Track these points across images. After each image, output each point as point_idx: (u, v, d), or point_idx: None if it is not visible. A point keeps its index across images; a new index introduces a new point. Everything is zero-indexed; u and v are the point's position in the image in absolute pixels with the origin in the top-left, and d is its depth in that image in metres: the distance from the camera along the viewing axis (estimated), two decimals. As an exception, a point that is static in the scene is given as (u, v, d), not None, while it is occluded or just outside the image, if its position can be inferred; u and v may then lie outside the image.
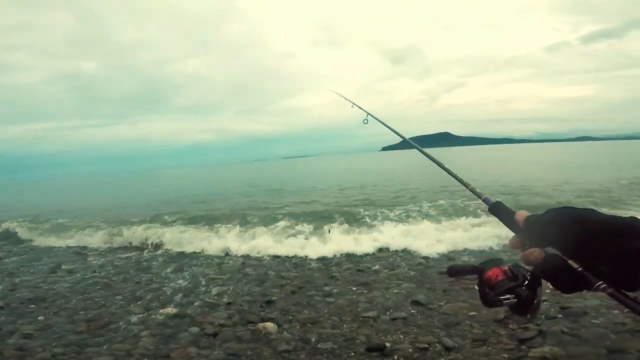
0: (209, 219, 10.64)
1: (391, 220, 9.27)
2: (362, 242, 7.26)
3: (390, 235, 7.58)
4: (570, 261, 0.51)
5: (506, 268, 0.60)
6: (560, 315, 3.78)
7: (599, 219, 0.52)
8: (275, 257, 7.06)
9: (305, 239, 7.86)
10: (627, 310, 0.47)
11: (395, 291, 4.83)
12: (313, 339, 3.67)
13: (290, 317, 4.24)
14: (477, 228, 7.54)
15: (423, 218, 9.14)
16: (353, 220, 9.54)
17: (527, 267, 0.58)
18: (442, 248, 6.70)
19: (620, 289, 0.48)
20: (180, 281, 5.83)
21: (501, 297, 0.58)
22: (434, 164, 0.98)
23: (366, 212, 10.44)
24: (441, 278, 5.15)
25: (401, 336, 3.63)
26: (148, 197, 21.63)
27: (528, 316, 0.59)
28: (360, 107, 1.23)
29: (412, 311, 4.21)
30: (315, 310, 4.39)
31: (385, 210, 10.45)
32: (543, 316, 3.79)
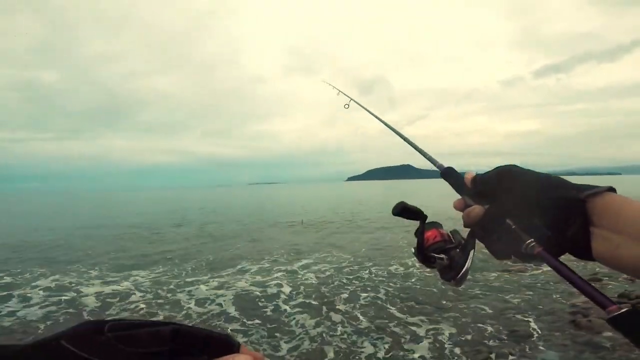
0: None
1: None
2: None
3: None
4: (508, 220, 0.53)
5: (444, 232, 0.62)
6: (508, 339, 4.06)
7: (535, 174, 0.53)
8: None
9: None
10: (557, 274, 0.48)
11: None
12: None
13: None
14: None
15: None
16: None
17: (463, 237, 0.60)
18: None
19: (551, 251, 0.49)
20: None
21: (435, 255, 0.59)
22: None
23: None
24: (403, 306, 5.31)
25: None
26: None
27: (453, 282, 0.58)
28: (345, 94, 1.28)
29: (369, 338, 4.32)
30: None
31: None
32: (494, 339, 4.06)
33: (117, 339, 0.26)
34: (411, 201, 0.58)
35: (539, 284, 6.01)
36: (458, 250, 0.59)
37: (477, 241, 0.58)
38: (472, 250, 0.58)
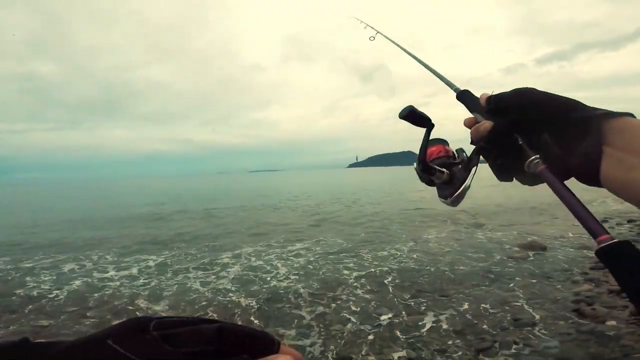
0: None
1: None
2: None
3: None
4: (516, 135, 0.52)
5: (450, 149, 0.62)
6: (512, 327, 4.07)
7: (553, 94, 0.51)
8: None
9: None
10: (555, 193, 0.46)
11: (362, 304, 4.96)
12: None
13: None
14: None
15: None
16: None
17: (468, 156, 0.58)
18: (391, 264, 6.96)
19: (555, 171, 0.48)
20: None
21: (436, 167, 0.58)
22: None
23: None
24: (401, 293, 5.33)
25: (367, 349, 3.74)
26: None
27: (449, 200, 0.57)
28: (372, 27, 1.22)
29: (378, 324, 4.34)
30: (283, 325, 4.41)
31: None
32: (497, 327, 4.07)
33: (162, 338, 0.25)
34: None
35: (542, 272, 6.01)
36: (460, 167, 0.58)
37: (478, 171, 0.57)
38: (475, 168, 0.57)
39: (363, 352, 3.68)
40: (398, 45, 0.99)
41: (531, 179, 0.53)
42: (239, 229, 11.67)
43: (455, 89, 0.68)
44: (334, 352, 3.71)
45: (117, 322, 0.27)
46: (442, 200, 0.59)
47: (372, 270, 6.54)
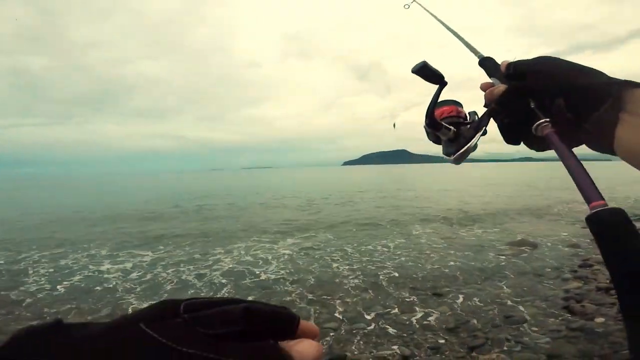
0: None
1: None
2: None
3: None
4: (529, 99, 0.52)
5: (462, 110, 0.60)
6: (503, 324, 4.12)
7: (569, 62, 0.51)
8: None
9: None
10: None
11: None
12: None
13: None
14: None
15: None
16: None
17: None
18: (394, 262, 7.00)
19: (564, 136, 0.48)
20: None
21: (444, 124, 0.58)
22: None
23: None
24: (394, 290, 5.36)
25: (362, 346, 3.75)
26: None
27: (453, 158, 0.58)
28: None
29: (371, 321, 4.35)
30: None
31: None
32: (489, 324, 4.12)
33: (193, 320, 0.25)
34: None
35: (532, 270, 6.10)
36: (469, 127, 0.58)
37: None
38: (484, 128, 0.57)
39: (356, 349, 3.69)
40: (433, 15, 0.99)
41: (539, 144, 0.53)
42: (232, 225, 11.61)
43: (479, 56, 0.68)
44: (328, 349, 3.71)
45: (146, 305, 0.27)
46: (446, 157, 0.59)
47: (364, 266, 6.56)
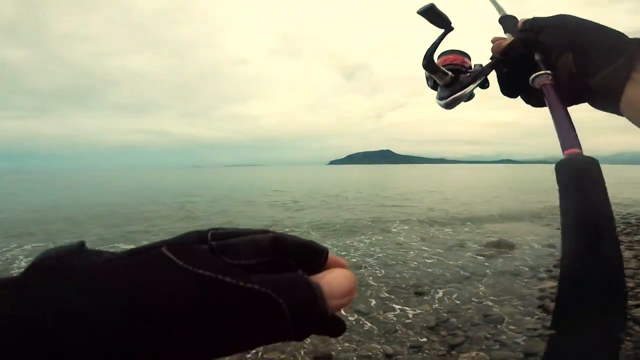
0: None
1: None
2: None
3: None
4: (535, 52, 0.51)
5: (468, 61, 0.58)
6: (482, 323, 4.24)
7: (587, 20, 0.49)
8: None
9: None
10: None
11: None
12: (258, 351, 3.68)
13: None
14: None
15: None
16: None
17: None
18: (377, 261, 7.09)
19: (562, 92, 0.47)
20: None
21: (442, 67, 0.55)
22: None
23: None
24: (376, 289, 5.44)
25: (346, 345, 3.80)
26: None
27: (444, 102, 0.56)
28: None
29: (354, 320, 4.41)
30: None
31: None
32: (468, 323, 4.23)
33: (219, 248, 0.24)
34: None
35: (509, 269, 6.29)
36: (468, 75, 0.56)
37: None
38: (484, 78, 0.56)
39: (340, 348, 3.73)
40: None
41: (536, 99, 0.52)
42: (213, 222, 11.48)
43: (502, 13, 0.67)
44: (310, 347, 3.74)
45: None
46: (438, 101, 0.57)
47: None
